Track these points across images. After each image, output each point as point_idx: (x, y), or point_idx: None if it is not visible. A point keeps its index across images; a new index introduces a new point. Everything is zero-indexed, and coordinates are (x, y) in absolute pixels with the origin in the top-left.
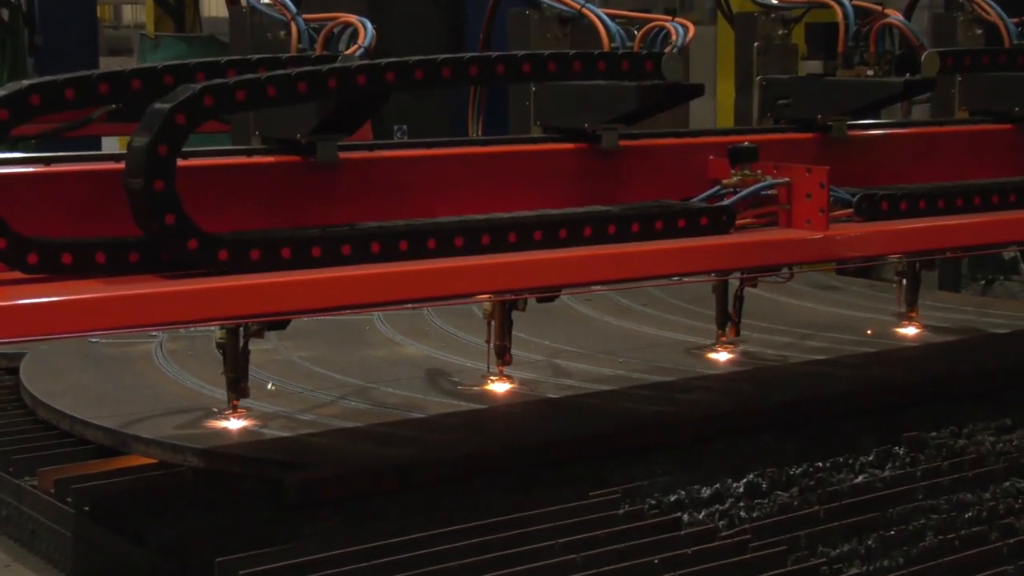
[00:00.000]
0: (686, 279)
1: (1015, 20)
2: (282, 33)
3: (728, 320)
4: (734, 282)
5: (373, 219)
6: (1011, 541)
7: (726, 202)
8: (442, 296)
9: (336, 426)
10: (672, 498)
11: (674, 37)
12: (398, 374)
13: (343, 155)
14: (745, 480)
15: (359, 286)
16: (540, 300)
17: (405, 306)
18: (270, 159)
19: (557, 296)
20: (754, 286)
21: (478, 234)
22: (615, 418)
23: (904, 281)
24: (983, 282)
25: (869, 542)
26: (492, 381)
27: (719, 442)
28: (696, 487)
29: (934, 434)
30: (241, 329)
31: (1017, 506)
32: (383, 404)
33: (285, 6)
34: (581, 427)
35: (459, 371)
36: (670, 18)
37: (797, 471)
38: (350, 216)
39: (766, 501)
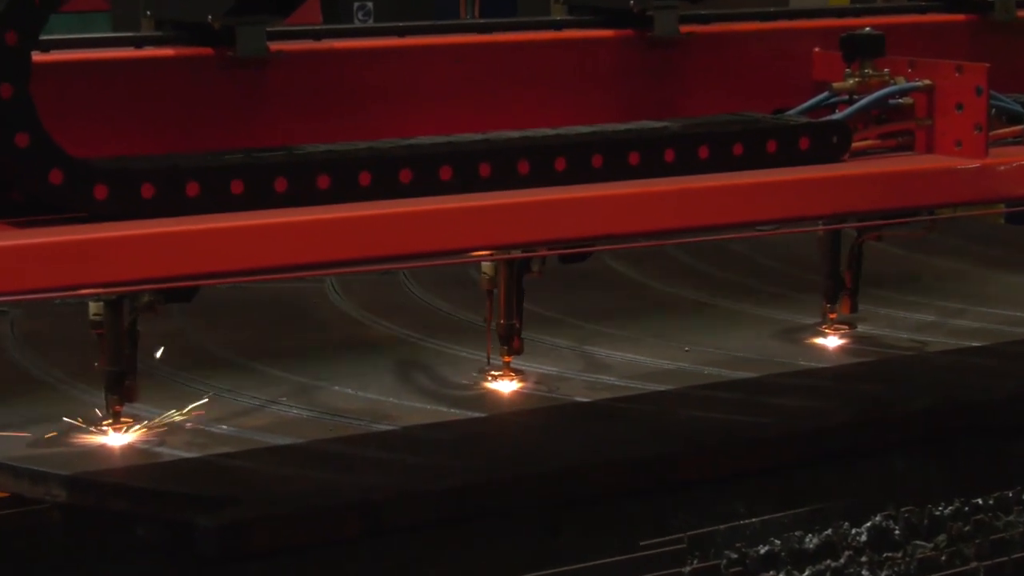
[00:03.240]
0: (780, 229)
1: None
2: None
3: (841, 289)
4: (850, 234)
5: (320, 140)
6: None
7: (837, 115)
8: (422, 253)
9: (269, 443)
10: (761, 550)
11: None
12: (360, 368)
13: (275, 46)
14: (869, 524)
15: (301, 238)
16: (565, 260)
17: (369, 268)
18: (169, 52)
19: (590, 254)
20: (879, 239)
21: (474, 162)
22: (677, 433)
23: None
24: None
25: None
26: (495, 378)
27: (830, 468)
28: (796, 534)
29: None
30: (127, 302)
31: None
32: (338, 411)
33: None
34: (627, 446)
35: (447, 363)
36: None
37: (945, 511)
38: (286, 136)
39: (900, 555)
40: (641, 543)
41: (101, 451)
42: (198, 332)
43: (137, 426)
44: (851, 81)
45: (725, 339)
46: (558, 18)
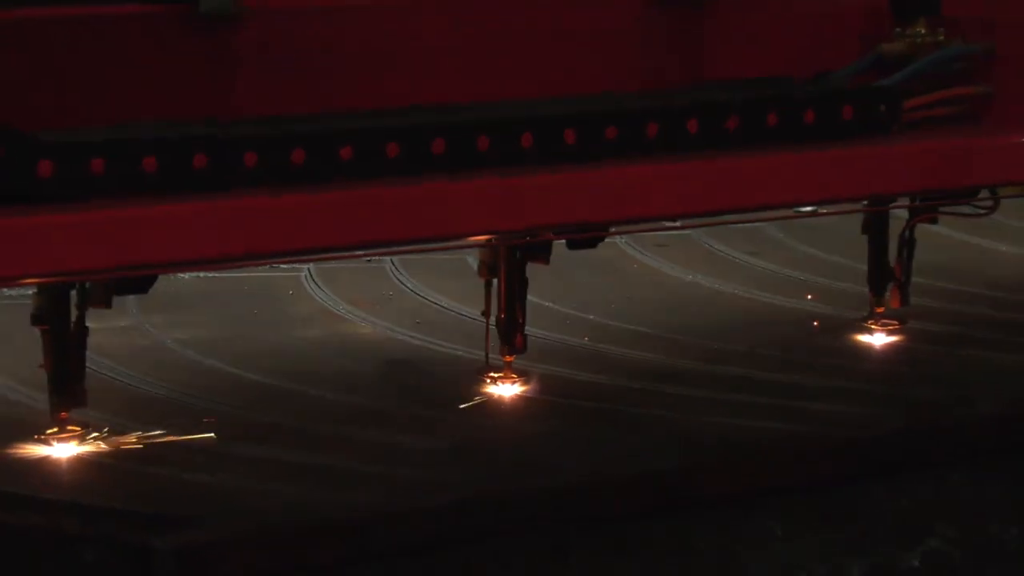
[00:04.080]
0: (821, 210)
1: None
2: None
3: (889, 280)
4: (900, 215)
5: (296, 109)
6: None
7: (886, 81)
8: (412, 239)
9: (237, 455)
10: None
11: None
12: (341, 368)
13: (245, 2)
14: (923, 548)
15: (275, 221)
16: (574, 246)
17: (352, 255)
18: (123, 9)
19: (602, 239)
20: (933, 222)
21: (471, 136)
22: (702, 443)
23: None
24: None
25: None
26: (494, 380)
27: (877, 484)
28: (841, 560)
29: None
30: (73, 294)
31: None
32: (316, 418)
33: None
34: (646, 457)
35: (441, 363)
36: None
37: (1014, 532)
38: (257, 104)
39: None
40: (661, 569)
41: (46, 463)
42: (157, 330)
43: (87, 436)
44: (901, 42)
45: (758, 335)
46: None
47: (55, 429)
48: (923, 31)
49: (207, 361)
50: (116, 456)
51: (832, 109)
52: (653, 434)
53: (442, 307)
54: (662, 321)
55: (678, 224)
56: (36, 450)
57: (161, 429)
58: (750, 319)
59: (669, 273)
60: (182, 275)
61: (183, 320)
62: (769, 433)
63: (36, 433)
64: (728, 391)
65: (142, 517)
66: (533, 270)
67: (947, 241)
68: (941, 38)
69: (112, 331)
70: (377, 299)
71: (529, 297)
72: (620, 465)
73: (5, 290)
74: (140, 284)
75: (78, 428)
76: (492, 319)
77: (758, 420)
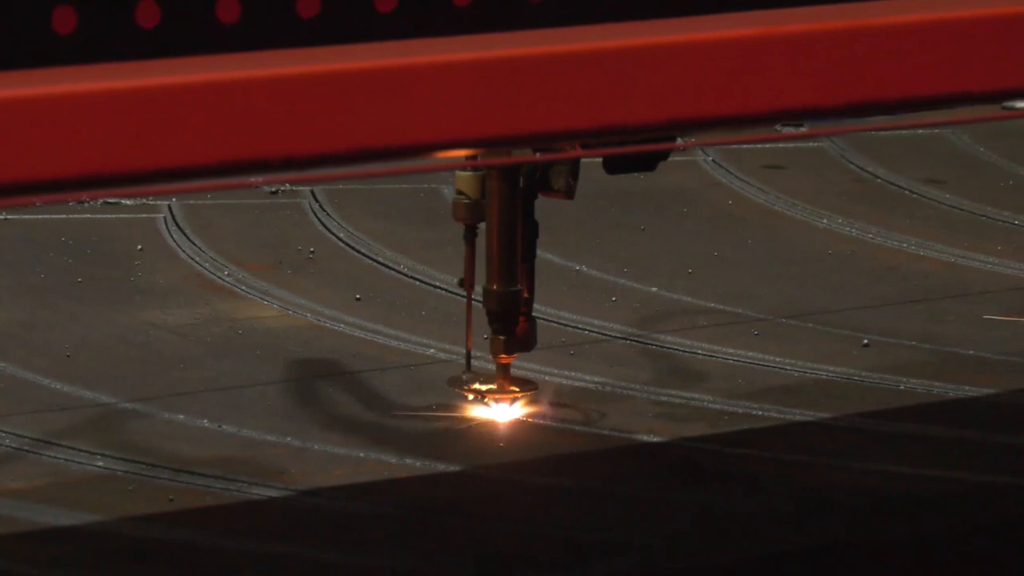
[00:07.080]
0: None
1: None
2: None
3: None
4: None
5: None
6: None
7: None
8: (343, 153)
9: (44, 524)
10: None
11: None
12: (222, 376)
13: None
14: None
15: (107, 121)
16: (615, 168)
17: (240, 183)
18: None
19: (666, 156)
20: None
21: None
22: (844, 506)
23: None
24: None
25: None
26: (481, 396)
27: None
28: None
29: None
30: None
31: None
32: (182, 462)
33: None
34: (747, 532)
35: (393, 369)
36: None
37: None
38: None
39: None
40: None
41: None
42: None
43: None
44: None
45: (934, 321)
46: None
47: None
48: None
49: None
50: None
51: None
52: (767, 493)
53: (397, 271)
54: (776, 297)
55: (802, 130)
56: None
57: None
58: (925, 293)
59: (787, 214)
60: None
61: None
62: (957, 488)
63: None
64: (890, 419)
65: None
66: (547, 208)
67: None
68: None
69: None
70: (287, 258)
71: (541, 254)
72: (700, 543)
73: None
74: None
75: None
76: (478, 291)
77: (940, 466)
